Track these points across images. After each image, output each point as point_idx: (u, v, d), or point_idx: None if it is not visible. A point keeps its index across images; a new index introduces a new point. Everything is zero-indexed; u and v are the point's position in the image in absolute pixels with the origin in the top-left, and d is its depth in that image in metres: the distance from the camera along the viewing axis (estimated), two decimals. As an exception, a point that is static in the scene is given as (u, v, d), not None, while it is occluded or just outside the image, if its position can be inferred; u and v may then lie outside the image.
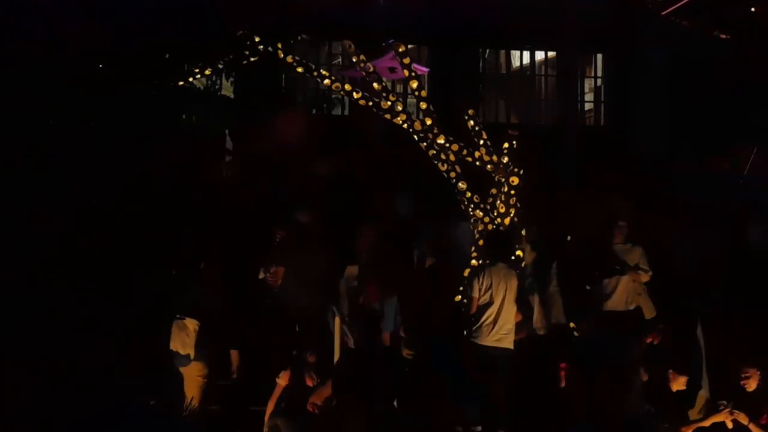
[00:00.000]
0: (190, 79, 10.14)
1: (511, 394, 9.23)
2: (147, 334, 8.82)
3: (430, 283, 10.55)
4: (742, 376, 9.00)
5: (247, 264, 10.96)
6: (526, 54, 20.33)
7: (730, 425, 8.76)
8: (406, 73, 10.82)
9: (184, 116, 9.84)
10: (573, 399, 9.07)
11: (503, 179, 10.60)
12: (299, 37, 11.26)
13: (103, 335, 7.75)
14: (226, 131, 13.16)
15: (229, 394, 9.77)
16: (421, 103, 10.87)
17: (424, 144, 10.76)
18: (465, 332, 9.60)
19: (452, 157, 10.70)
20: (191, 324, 9.38)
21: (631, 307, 10.78)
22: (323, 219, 11.12)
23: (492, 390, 9.19)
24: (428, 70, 17.33)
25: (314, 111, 15.00)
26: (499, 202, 10.62)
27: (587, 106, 20.48)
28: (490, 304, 9.45)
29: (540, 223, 11.26)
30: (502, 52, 20.14)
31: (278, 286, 10.46)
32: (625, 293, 10.76)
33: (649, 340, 10.06)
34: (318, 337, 9.96)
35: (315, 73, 11.15)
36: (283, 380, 9.43)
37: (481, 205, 10.66)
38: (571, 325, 10.70)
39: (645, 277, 10.81)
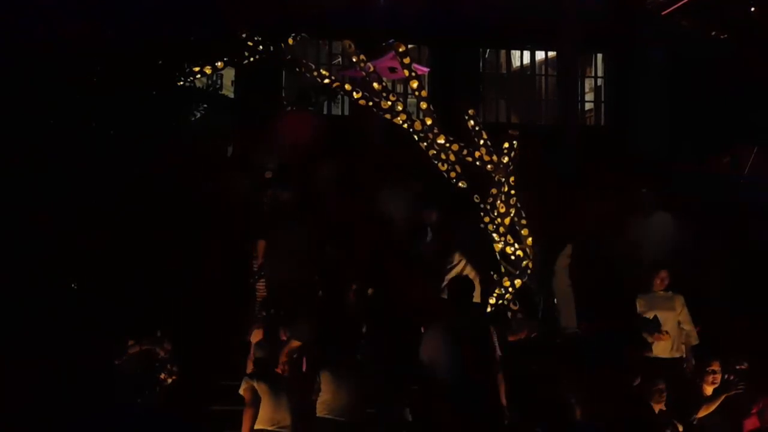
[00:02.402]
0: (191, 79, 10.13)
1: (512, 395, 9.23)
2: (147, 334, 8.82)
3: (428, 282, 10.63)
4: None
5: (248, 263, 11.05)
6: (526, 54, 20.32)
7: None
8: (406, 73, 10.82)
9: (185, 116, 9.84)
10: (573, 399, 9.07)
11: (503, 179, 10.60)
12: (299, 37, 11.23)
13: (103, 335, 7.76)
14: (229, 132, 13.20)
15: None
16: (422, 103, 10.87)
17: (425, 144, 10.76)
18: None
19: (452, 157, 10.70)
20: None
21: (677, 355, 10.30)
22: (306, 197, 11.41)
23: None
24: (428, 70, 17.33)
25: (309, 108, 15.01)
26: (499, 202, 10.61)
27: (587, 106, 20.48)
28: None
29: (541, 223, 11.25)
30: (502, 52, 20.14)
31: (261, 261, 10.80)
32: (671, 339, 10.26)
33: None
34: (302, 309, 10.08)
35: (315, 73, 11.15)
36: (254, 338, 9.63)
37: (481, 205, 10.66)
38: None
39: (692, 339, 10.40)
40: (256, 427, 8.69)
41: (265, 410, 8.69)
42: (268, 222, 11.08)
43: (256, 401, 8.66)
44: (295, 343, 9.47)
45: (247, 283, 10.96)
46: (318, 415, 8.88)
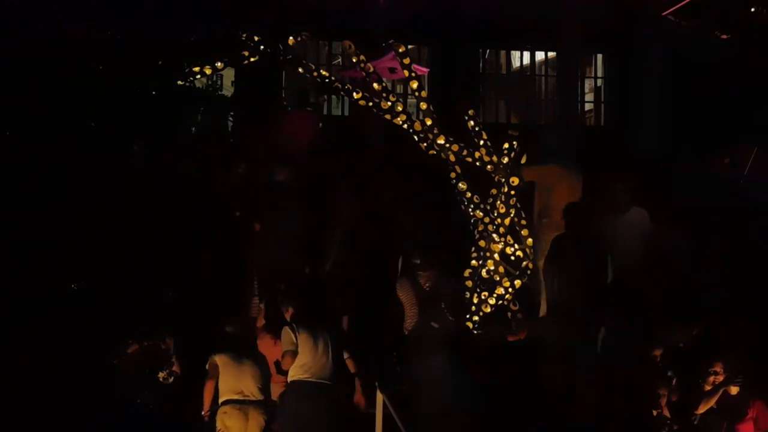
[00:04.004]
0: (190, 79, 10.15)
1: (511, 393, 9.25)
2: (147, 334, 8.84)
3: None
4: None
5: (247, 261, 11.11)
6: (526, 54, 20.32)
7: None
8: (406, 73, 10.82)
9: (185, 116, 9.86)
10: (573, 399, 9.07)
11: (503, 179, 10.60)
12: (299, 37, 11.24)
13: (103, 335, 7.77)
14: (229, 132, 13.25)
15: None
16: (421, 103, 10.87)
17: (425, 144, 10.76)
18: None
19: (452, 158, 10.70)
20: None
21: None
22: (303, 182, 11.58)
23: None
24: (428, 70, 17.33)
25: (309, 108, 15.05)
26: (499, 202, 10.62)
27: (587, 106, 20.47)
28: None
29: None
30: (502, 52, 20.13)
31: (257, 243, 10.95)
32: None
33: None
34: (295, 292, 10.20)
35: (315, 73, 11.15)
36: (259, 321, 10.01)
37: (481, 206, 10.66)
38: None
39: None
40: (221, 398, 8.89)
41: (226, 381, 8.89)
42: (264, 208, 11.18)
43: (215, 376, 8.92)
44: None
45: (247, 281, 11.00)
46: (295, 378, 8.95)
